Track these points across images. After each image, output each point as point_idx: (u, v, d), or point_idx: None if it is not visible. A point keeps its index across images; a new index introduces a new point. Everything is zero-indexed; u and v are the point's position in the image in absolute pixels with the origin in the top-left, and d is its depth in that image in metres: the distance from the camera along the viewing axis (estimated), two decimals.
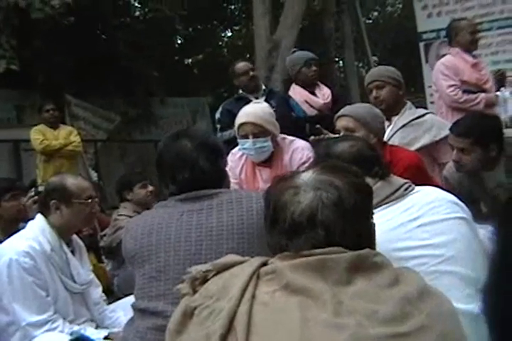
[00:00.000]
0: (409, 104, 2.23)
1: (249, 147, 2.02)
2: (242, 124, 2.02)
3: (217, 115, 3.13)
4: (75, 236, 1.68)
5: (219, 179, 1.22)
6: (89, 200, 1.58)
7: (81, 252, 1.67)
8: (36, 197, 2.01)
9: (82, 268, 1.61)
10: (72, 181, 1.58)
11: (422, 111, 2.25)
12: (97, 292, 1.70)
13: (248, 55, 9.56)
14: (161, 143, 1.24)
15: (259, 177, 2.13)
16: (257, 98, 2.87)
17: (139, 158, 6.39)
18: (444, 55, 2.95)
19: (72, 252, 1.61)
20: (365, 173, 1.05)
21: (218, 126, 3.07)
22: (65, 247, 1.57)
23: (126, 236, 1.20)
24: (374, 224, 0.82)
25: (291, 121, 2.63)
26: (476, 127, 1.76)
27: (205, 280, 0.79)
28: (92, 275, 1.69)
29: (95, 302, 1.65)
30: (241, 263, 0.79)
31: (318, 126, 2.19)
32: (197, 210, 1.14)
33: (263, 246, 0.82)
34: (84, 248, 1.71)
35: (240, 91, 3.00)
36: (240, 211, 1.12)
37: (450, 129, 1.83)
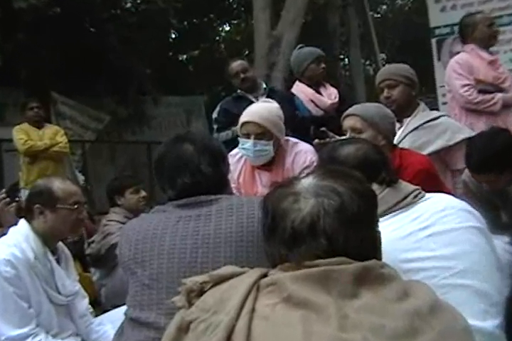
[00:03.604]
0: (422, 105, 2.23)
1: (248, 147, 2.02)
2: (245, 123, 2.03)
3: (215, 115, 3.15)
4: (60, 244, 1.67)
5: (220, 184, 1.24)
6: (76, 206, 1.57)
7: (67, 261, 1.66)
8: (8, 199, 2.00)
9: (68, 279, 1.60)
10: (58, 185, 1.57)
11: (436, 113, 2.25)
12: (84, 304, 1.69)
13: (247, 52, 9.61)
14: (161, 147, 1.25)
15: (258, 181, 2.13)
16: (256, 97, 2.88)
17: (130, 160, 6.40)
18: (457, 53, 2.92)
19: (58, 261, 1.60)
20: (371, 179, 1.06)
21: (215, 126, 3.08)
22: (49, 255, 1.56)
23: (122, 241, 1.21)
24: (380, 233, 0.82)
25: (296, 122, 2.64)
26: (493, 158, 1.68)
27: (201, 292, 0.79)
28: (79, 286, 1.68)
29: (81, 315, 1.64)
30: (240, 274, 0.80)
31: (323, 128, 2.20)
32: (195, 216, 1.15)
33: (264, 255, 0.82)
34: (71, 256, 1.70)
35: (239, 91, 3.01)
36: (240, 218, 1.13)
37: (468, 166, 1.77)
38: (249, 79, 2.96)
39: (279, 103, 2.60)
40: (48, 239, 1.57)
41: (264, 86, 3.04)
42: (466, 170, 1.91)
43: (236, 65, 2.97)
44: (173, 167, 1.20)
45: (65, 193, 1.56)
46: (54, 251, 1.61)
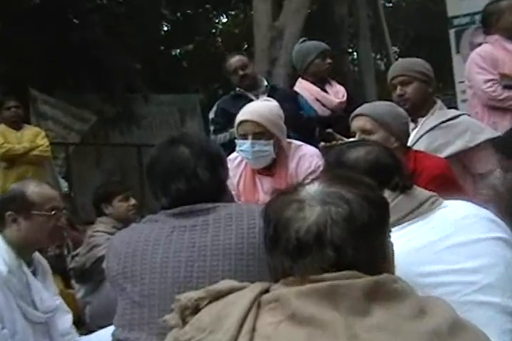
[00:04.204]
0: (439, 103, 2.23)
1: (246, 149, 2.03)
2: (242, 122, 2.04)
3: (211, 115, 3.16)
4: (36, 254, 1.64)
5: (219, 191, 1.24)
6: (54, 212, 1.54)
7: (44, 273, 1.63)
8: None
9: (47, 292, 1.57)
10: (33, 189, 1.55)
11: (454, 112, 2.24)
12: (66, 320, 1.66)
13: (246, 46, 9.64)
14: (154, 149, 1.26)
15: (260, 188, 2.14)
16: (257, 96, 2.90)
17: (119, 164, 6.40)
18: (479, 44, 2.89)
19: (34, 273, 1.57)
20: (383, 185, 1.06)
21: (212, 127, 3.09)
22: (24, 268, 1.53)
23: (109, 253, 1.22)
24: (393, 245, 0.82)
25: (300, 122, 2.65)
26: None
27: (197, 309, 0.80)
28: (60, 301, 1.65)
29: (63, 333, 1.62)
30: (239, 289, 0.80)
31: (330, 130, 2.21)
32: (190, 226, 1.16)
33: (265, 269, 0.83)
34: (49, 267, 1.67)
35: (237, 89, 3.03)
36: (240, 228, 1.14)
37: (502, 152, 1.78)
38: (248, 77, 2.97)
39: (281, 102, 2.61)
40: (22, 250, 1.53)
41: (266, 83, 3.06)
42: (497, 172, 1.90)
43: (234, 60, 2.98)
44: (167, 172, 1.21)
45: (41, 198, 1.54)
46: (29, 263, 1.58)
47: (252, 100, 2.66)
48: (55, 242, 1.91)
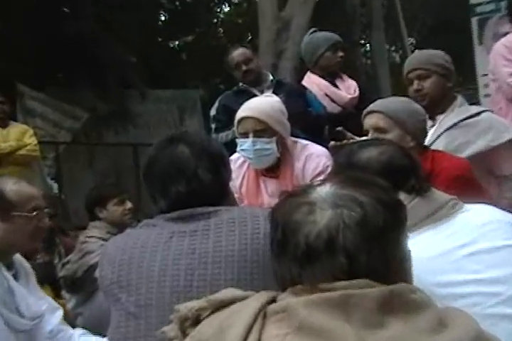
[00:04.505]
0: (459, 99, 2.22)
1: (247, 148, 2.04)
2: (242, 119, 2.05)
3: (213, 112, 3.16)
4: (17, 256, 1.61)
5: (221, 194, 1.25)
6: (35, 213, 1.52)
7: (27, 276, 1.61)
8: None
9: (32, 297, 1.54)
10: (12, 187, 1.52)
11: (476, 108, 2.23)
12: (55, 318, 1.61)
13: (250, 37, 9.66)
14: (152, 149, 1.26)
15: (264, 190, 2.15)
16: (261, 91, 2.90)
17: (113, 165, 6.42)
18: (505, 34, 2.85)
19: (15, 277, 1.54)
20: (398, 187, 1.06)
21: (213, 125, 3.10)
22: (4, 272, 1.49)
23: (103, 261, 1.22)
24: (410, 251, 0.83)
25: (309, 120, 2.65)
26: None
27: (197, 320, 0.80)
28: (47, 304, 1.60)
29: (52, 335, 1.56)
30: (243, 299, 0.80)
31: (340, 128, 2.21)
32: (190, 232, 1.16)
33: (271, 277, 0.83)
34: (31, 269, 1.65)
35: (240, 84, 3.03)
36: (244, 233, 1.14)
37: None
38: (252, 72, 2.96)
39: (288, 98, 2.60)
40: (1, 253, 1.51)
41: (271, 78, 3.06)
42: None
43: (237, 54, 2.97)
44: (166, 173, 1.21)
45: (20, 197, 1.51)
46: (9, 266, 1.55)
47: (256, 96, 2.67)
48: (37, 244, 1.88)
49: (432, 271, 1.06)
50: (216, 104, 3.11)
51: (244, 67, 2.95)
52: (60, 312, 1.67)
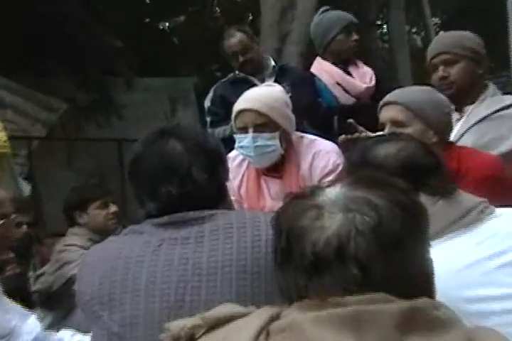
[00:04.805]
0: (491, 87, 2.22)
1: (247, 144, 2.05)
2: (240, 112, 2.05)
3: (207, 103, 3.17)
4: None
5: (217, 196, 1.25)
6: (2, 221, 1.54)
7: None
8: None
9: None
10: None
11: (510, 98, 2.22)
12: (30, 326, 1.61)
13: (251, 17, 9.65)
14: (139, 144, 1.27)
15: (266, 192, 2.16)
16: (262, 80, 2.90)
17: (95, 163, 6.42)
18: None
19: None
20: (418, 188, 1.07)
21: (209, 118, 3.10)
22: None
23: (82, 273, 1.22)
24: (432, 262, 0.83)
25: (318, 113, 2.65)
26: None
27: (191, 340, 0.80)
28: (17, 317, 1.60)
29: None
30: (243, 315, 0.80)
31: (350, 120, 2.21)
32: (182, 239, 1.16)
33: (274, 291, 0.83)
34: None
35: (237, 72, 3.03)
36: (243, 241, 1.14)
37: None
38: (251, 62, 2.96)
39: (294, 86, 2.60)
40: None
41: (273, 63, 3.06)
42: None
43: (234, 43, 2.96)
44: (154, 172, 1.21)
45: None
46: None
47: (255, 85, 2.67)
48: (4, 256, 1.88)
49: (459, 285, 1.07)
50: (211, 95, 3.12)
51: (241, 58, 2.95)
52: (33, 318, 1.66)
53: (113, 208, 2.74)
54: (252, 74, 2.97)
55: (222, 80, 3.17)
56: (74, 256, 2.56)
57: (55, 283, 2.62)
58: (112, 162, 6.31)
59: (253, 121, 2.02)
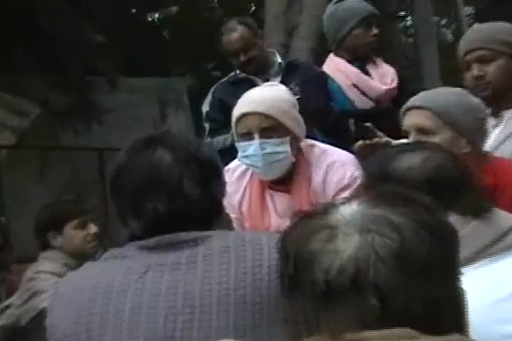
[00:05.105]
0: None
1: (254, 153, 2.05)
2: (242, 117, 2.06)
3: (205, 108, 3.18)
4: None
5: (212, 214, 1.25)
6: None
7: None
8: None
9: None
10: None
11: None
12: None
13: (253, 8, 9.71)
14: (122, 154, 1.27)
15: (271, 209, 2.16)
16: (267, 80, 2.91)
17: (72, 175, 6.43)
18: None
19: None
20: (447, 206, 1.06)
21: (207, 126, 3.11)
22: None
23: (54, 305, 1.22)
24: (464, 292, 0.83)
25: (330, 118, 2.65)
26: None
27: None
28: None
29: None
30: None
31: (368, 124, 2.21)
32: (171, 265, 1.16)
33: (279, 324, 0.83)
34: None
35: (238, 71, 3.04)
36: (242, 266, 1.14)
37: None
38: (254, 61, 2.97)
39: (303, 87, 2.60)
40: None
41: (279, 60, 3.06)
42: None
43: (234, 39, 2.96)
44: (140, 186, 1.22)
45: None
46: None
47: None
48: None
49: (497, 319, 1.06)
50: (209, 98, 3.12)
51: (243, 57, 2.95)
52: None
53: (93, 228, 2.73)
54: (255, 73, 2.98)
55: (221, 81, 3.18)
56: (46, 285, 2.55)
57: (23, 317, 2.61)
58: (92, 174, 6.33)
59: (258, 125, 2.03)
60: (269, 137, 2.03)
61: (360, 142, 2.17)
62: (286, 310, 0.81)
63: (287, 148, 2.05)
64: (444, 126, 1.78)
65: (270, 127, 2.03)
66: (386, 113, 2.58)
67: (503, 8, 8.90)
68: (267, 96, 2.08)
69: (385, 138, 2.16)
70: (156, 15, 9.92)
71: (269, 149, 2.03)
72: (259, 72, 2.98)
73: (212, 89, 3.15)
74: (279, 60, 3.05)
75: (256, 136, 2.03)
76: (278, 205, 2.15)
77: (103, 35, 6.63)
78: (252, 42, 2.98)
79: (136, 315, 1.12)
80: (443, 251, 0.79)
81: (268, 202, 2.16)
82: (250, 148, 2.04)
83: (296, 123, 2.09)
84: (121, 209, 1.24)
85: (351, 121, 2.56)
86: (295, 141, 2.09)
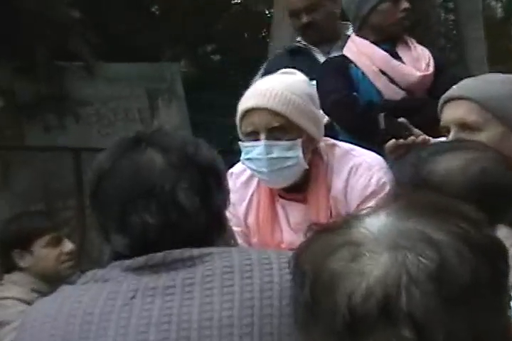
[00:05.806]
0: None
1: (258, 157, 2.06)
2: (247, 112, 2.08)
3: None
4: None
5: (212, 228, 1.26)
6: None
7: None
8: None
9: None
10: None
11: None
12: None
13: None
14: (105, 156, 1.28)
15: (283, 221, 2.17)
16: (327, 53, 2.93)
17: (42, 181, 6.44)
18: None
19: None
20: (495, 218, 1.07)
21: None
22: None
23: (22, 338, 1.23)
24: None
25: (353, 111, 2.65)
26: None
27: None
28: None
29: None
30: None
31: (402, 119, 2.21)
32: (163, 288, 1.17)
33: None
34: None
35: (298, 38, 3.06)
36: (248, 290, 1.15)
37: None
38: (316, 25, 2.98)
39: (319, 74, 2.59)
40: None
41: (350, 31, 3.03)
42: None
43: None
44: (126, 194, 1.23)
45: None
46: None
47: (317, 61, 2.67)
48: None
49: None
50: (261, 72, 3.11)
51: (304, 19, 2.97)
52: None
53: (67, 246, 2.74)
54: (317, 42, 3.00)
55: (279, 51, 3.20)
56: (11, 313, 2.56)
57: None
58: (66, 180, 6.33)
59: (266, 123, 2.04)
60: (278, 139, 2.04)
61: (391, 142, 2.18)
62: None
63: (298, 152, 2.05)
64: (492, 121, 1.79)
65: (279, 127, 2.04)
66: (421, 105, 2.58)
67: None
68: (279, 88, 2.07)
69: (422, 136, 2.16)
70: None
71: (276, 153, 2.04)
72: (322, 40, 3.00)
73: (264, 65, 3.17)
74: (350, 30, 3.04)
75: (262, 136, 2.04)
76: (291, 217, 2.16)
77: (79, 10, 6.62)
78: (320, 2, 3.01)
79: None
80: (489, 272, 0.79)
81: (279, 214, 2.17)
82: (254, 151, 2.06)
83: (312, 122, 2.09)
84: (103, 222, 1.25)
85: (381, 116, 2.54)
86: (310, 143, 2.10)
